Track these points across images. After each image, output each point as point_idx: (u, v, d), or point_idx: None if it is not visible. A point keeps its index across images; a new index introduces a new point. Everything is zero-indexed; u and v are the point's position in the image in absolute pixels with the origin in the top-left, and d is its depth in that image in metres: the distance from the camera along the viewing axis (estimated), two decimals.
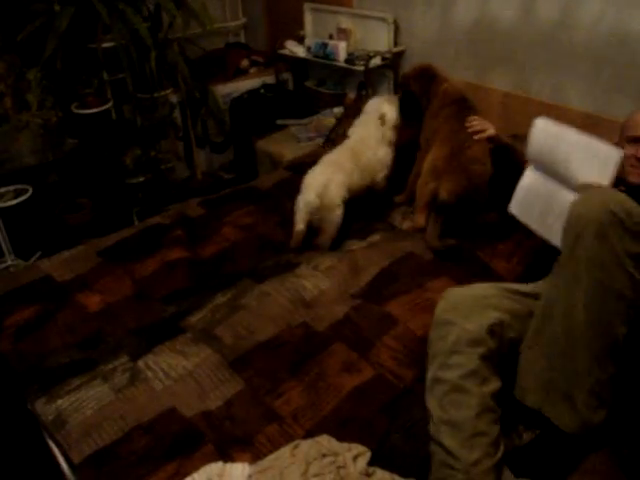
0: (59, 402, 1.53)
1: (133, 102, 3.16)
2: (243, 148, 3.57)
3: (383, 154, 2.30)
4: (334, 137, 2.83)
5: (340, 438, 1.37)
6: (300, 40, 3.46)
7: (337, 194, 2.13)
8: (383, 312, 1.75)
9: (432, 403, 1.37)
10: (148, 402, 1.52)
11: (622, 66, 2.24)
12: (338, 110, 3.31)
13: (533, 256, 1.95)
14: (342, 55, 3.14)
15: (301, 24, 3.49)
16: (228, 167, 3.78)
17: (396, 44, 3.09)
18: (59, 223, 3.12)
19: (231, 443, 1.40)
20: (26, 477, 1.74)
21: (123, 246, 2.19)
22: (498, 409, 1.34)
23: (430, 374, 1.40)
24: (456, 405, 1.32)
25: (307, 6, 3.42)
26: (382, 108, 2.31)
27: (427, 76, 2.27)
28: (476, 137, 2.00)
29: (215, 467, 1.31)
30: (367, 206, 2.31)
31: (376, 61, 3.04)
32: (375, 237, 2.15)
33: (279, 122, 3.46)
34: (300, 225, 2.11)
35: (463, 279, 1.80)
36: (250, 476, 1.28)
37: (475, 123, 2.01)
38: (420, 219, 2.11)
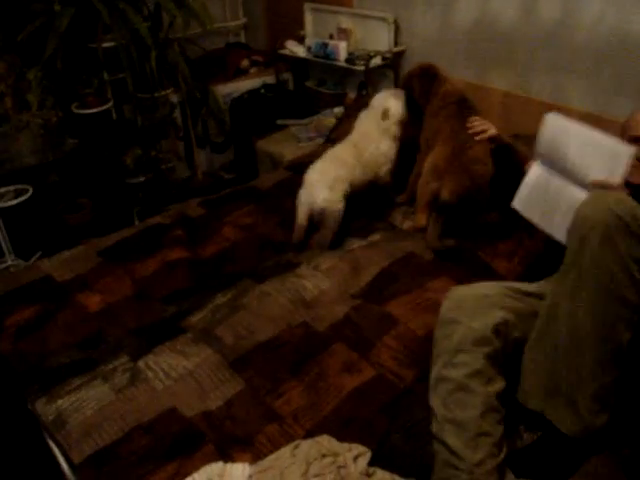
0: (59, 402, 1.53)
1: (133, 102, 3.16)
2: (243, 148, 3.57)
3: (386, 148, 2.29)
4: (334, 137, 2.83)
5: (340, 438, 1.37)
6: (300, 40, 3.46)
7: (339, 189, 2.13)
8: (383, 312, 1.75)
9: (436, 402, 1.36)
10: (148, 402, 1.52)
11: (623, 66, 2.24)
12: (338, 110, 3.31)
13: (534, 256, 1.95)
14: (342, 55, 3.14)
15: (301, 24, 3.49)
16: (228, 167, 3.79)
17: (396, 44, 3.08)
18: (59, 223, 3.12)
19: (231, 443, 1.40)
20: (26, 477, 1.74)
21: (123, 246, 2.19)
22: (502, 409, 1.34)
23: (434, 373, 1.40)
24: (461, 404, 1.31)
25: (307, 6, 3.42)
26: (386, 103, 2.31)
27: (429, 75, 2.27)
28: (477, 138, 2.00)
29: (215, 467, 1.31)
30: (368, 205, 2.31)
31: (376, 61, 3.04)
32: (376, 236, 2.15)
33: (279, 122, 3.46)
34: (301, 220, 2.12)
35: (464, 279, 1.80)
36: (250, 476, 1.28)
37: (476, 123, 2.01)
38: (421, 219, 2.11)
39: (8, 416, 1.76)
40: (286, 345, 1.66)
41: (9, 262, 2.81)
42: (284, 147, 3.19)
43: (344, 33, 3.21)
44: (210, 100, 3.31)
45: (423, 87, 2.27)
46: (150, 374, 1.60)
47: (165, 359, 1.64)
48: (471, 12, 2.70)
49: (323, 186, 2.12)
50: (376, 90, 3.23)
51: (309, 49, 3.32)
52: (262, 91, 3.60)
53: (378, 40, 3.09)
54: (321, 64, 3.37)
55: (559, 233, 1.50)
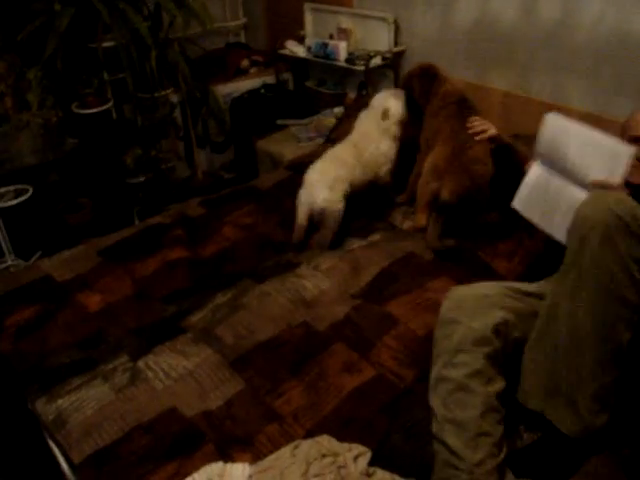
0: (59, 402, 1.53)
1: (133, 102, 3.16)
2: (243, 148, 3.57)
3: (386, 148, 2.29)
4: (334, 137, 2.83)
5: (340, 438, 1.37)
6: (300, 40, 3.46)
7: (339, 189, 2.13)
8: (383, 312, 1.75)
9: (436, 402, 1.36)
10: (148, 402, 1.52)
11: (623, 66, 2.24)
12: (338, 110, 3.31)
13: (534, 256, 1.95)
14: (342, 55, 3.14)
15: (301, 24, 3.49)
16: (228, 167, 3.79)
17: (396, 44, 3.08)
18: (59, 223, 3.12)
19: (231, 443, 1.40)
20: (26, 477, 1.74)
21: (123, 246, 2.19)
22: (502, 409, 1.34)
23: (434, 372, 1.40)
24: (461, 404, 1.31)
25: (307, 6, 3.42)
26: (386, 103, 2.31)
27: (429, 75, 2.27)
28: (477, 138, 2.00)
29: (215, 467, 1.31)
30: (368, 205, 2.31)
31: (376, 61, 3.04)
32: (376, 236, 2.15)
33: (279, 122, 3.46)
34: (301, 220, 2.12)
35: (464, 279, 1.80)
36: (250, 476, 1.28)
37: (476, 124, 2.01)
38: (421, 219, 2.11)
39: (8, 416, 1.76)
40: (286, 345, 1.66)
41: (9, 262, 2.81)
42: (284, 147, 3.19)
43: (344, 33, 3.20)
44: (210, 100, 3.30)
45: (423, 87, 2.27)
46: (150, 374, 1.60)
47: (165, 359, 1.64)
48: (471, 12, 2.70)
49: (323, 186, 2.12)
50: (376, 90, 3.23)
51: (309, 49, 3.32)
52: (262, 91, 3.60)
53: (378, 40, 3.09)
54: (321, 64, 3.37)
55: (559, 233, 1.50)
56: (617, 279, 1.25)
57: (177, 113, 3.35)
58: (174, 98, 3.27)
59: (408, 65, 3.08)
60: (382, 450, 1.37)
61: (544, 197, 1.64)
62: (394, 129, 2.30)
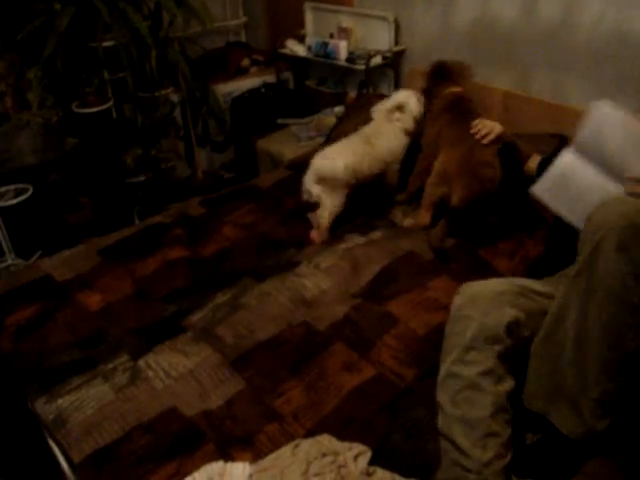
0: (59, 401, 1.53)
1: (134, 101, 3.16)
2: (244, 147, 3.57)
3: (398, 144, 2.29)
4: (335, 136, 2.83)
5: (341, 437, 1.37)
6: (301, 39, 3.45)
7: (344, 175, 2.15)
8: (384, 311, 1.74)
9: (443, 397, 1.35)
10: (149, 401, 1.52)
11: (623, 65, 2.24)
12: (339, 109, 3.31)
13: (535, 255, 1.95)
14: (343, 54, 3.13)
15: (302, 23, 3.49)
16: (229, 166, 3.78)
17: (397, 43, 3.08)
18: (60, 222, 3.12)
19: (232, 442, 1.40)
20: (26, 476, 1.74)
21: (124, 245, 2.19)
22: (511, 410, 1.33)
23: (444, 368, 1.39)
24: (470, 403, 1.31)
25: (308, 5, 3.42)
26: (405, 98, 2.30)
27: (437, 74, 2.25)
28: (485, 141, 1.98)
29: (216, 466, 1.31)
30: (368, 202, 2.31)
31: (377, 60, 3.04)
32: (376, 234, 2.14)
33: (280, 121, 3.46)
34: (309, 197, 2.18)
35: (464, 278, 1.79)
36: (251, 475, 1.28)
37: (480, 126, 1.99)
38: (425, 217, 2.10)
39: (8, 415, 1.76)
40: (286, 344, 1.66)
41: (9, 261, 2.81)
42: (284, 146, 3.19)
43: (344, 32, 3.20)
44: (210, 99, 3.30)
45: (429, 85, 2.27)
46: (150, 373, 1.60)
47: (165, 358, 1.64)
48: (471, 11, 2.70)
49: (327, 169, 2.15)
50: (376, 89, 3.25)
51: (309, 48, 3.32)
52: (262, 90, 3.60)
53: (378, 39, 3.09)
54: (321, 63, 3.36)
55: (581, 223, 1.42)
56: (629, 287, 1.23)
57: (177, 112, 3.35)
58: (174, 97, 3.27)
59: (408, 64, 3.09)
60: (382, 449, 1.37)
61: (571, 186, 1.59)
62: (409, 123, 2.29)
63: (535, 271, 1.82)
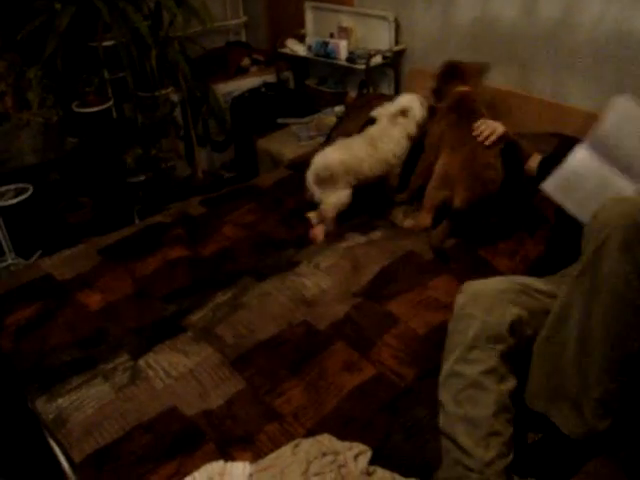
0: (60, 401, 1.53)
1: (134, 101, 3.16)
2: (244, 147, 3.57)
3: (401, 149, 2.29)
4: (335, 136, 2.83)
5: (341, 437, 1.37)
6: (301, 39, 3.45)
7: (340, 169, 2.15)
8: (384, 311, 1.74)
9: (445, 396, 1.35)
10: (149, 401, 1.52)
11: (623, 65, 2.24)
12: (339, 109, 3.31)
13: (536, 255, 1.95)
14: (343, 54, 3.13)
15: (302, 23, 3.49)
16: (229, 166, 3.78)
17: (397, 43, 3.08)
18: (60, 222, 3.12)
19: (232, 442, 1.40)
20: (27, 476, 1.74)
21: (124, 245, 2.19)
22: (513, 409, 1.33)
23: (446, 367, 1.38)
24: (472, 401, 1.30)
25: (308, 5, 3.42)
26: (409, 102, 2.30)
27: (449, 74, 2.25)
28: (487, 142, 1.97)
29: (216, 466, 1.31)
30: (369, 202, 2.31)
31: (377, 60, 3.04)
32: (376, 234, 2.14)
33: (280, 121, 3.45)
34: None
35: (464, 278, 1.79)
36: (251, 475, 1.28)
37: (483, 128, 1.98)
38: (426, 219, 2.10)
39: (8, 415, 1.76)
40: (286, 344, 1.66)
41: (9, 261, 2.81)
42: (285, 146, 3.18)
43: (345, 32, 3.20)
44: (211, 99, 3.30)
45: (438, 84, 2.26)
46: (150, 373, 1.60)
47: (165, 358, 1.64)
48: (472, 11, 2.70)
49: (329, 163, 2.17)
50: (377, 89, 3.24)
51: (310, 48, 3.32)
52: (263, 90, 3.60)
53: (379, 39, 3.09)
54: (322, 63, 3.36)
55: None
56: (633, 288, 1.23)
57: (177, 112, 3.35)
58: (174, 97, 3.27)
59: (408, 64, 3.09)
60: (382, 449, 1.37)
61: (584, 183, 1.57)
62: (411, 127, 2.29)
63: (536, 271, 1.81)
